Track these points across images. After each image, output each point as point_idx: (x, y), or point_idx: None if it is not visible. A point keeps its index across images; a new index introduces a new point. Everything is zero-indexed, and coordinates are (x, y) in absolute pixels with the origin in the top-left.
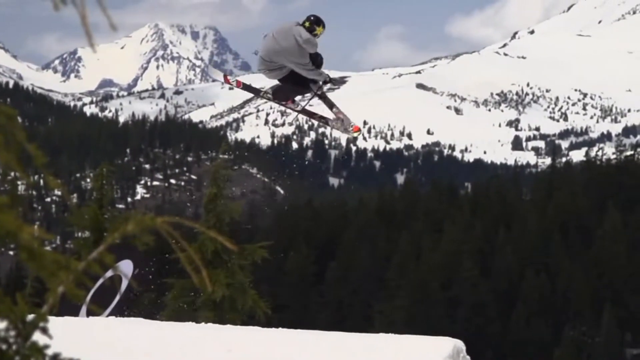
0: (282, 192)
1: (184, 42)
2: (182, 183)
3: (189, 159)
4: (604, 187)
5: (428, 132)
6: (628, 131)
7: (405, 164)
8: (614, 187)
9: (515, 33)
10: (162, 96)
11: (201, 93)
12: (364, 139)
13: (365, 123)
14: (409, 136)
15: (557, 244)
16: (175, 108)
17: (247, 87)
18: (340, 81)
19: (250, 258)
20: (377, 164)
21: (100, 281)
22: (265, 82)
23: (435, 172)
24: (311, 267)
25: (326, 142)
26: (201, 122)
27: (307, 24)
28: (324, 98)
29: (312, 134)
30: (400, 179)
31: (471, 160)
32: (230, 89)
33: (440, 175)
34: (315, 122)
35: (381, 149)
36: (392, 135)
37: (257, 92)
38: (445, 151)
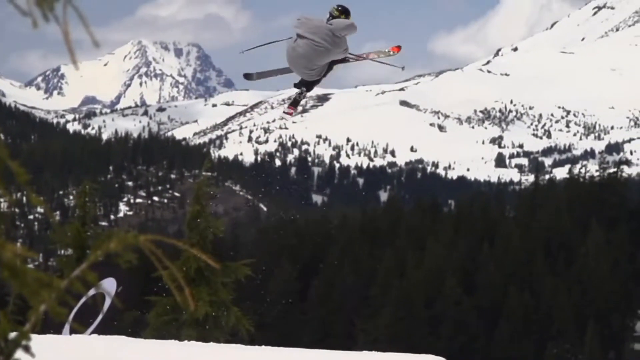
0: (265, 209)
1: (167, 59)
2: (165, 200)
3: (172, 176)
4: (587, 205)
5: (411, 149)
6: (611, 148)
7: (388, 181)
8: (598, 205)
9: (499, 50)
10: (145, 113)
11: (184, 110)
12: (347, 156)
13: (348, 140)
14: (392, 153)
15: (541, 261)
16: (158, 125)
17: (296, 102)
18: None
19: (233, 276)
20: (361, 181)
21: (83, 299)
22: (248, 99)
23: (419, 190)
24: (294, 285)
25: (309, 159)
26: (184, 139)
27: (336, 13)
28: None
29: (296, 151)
30: (383, 196)
31: (454, 177)
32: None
33: (424, 192)
34: (299, 139)
35: (364, 166)
36: (376, 152)
37: (301, 96)
38: (429, 168)
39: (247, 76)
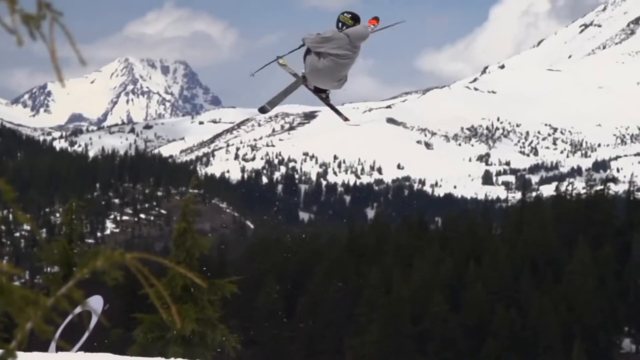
0: (252, 226)
1: (154, 77)
2: (152, 218)
3: (159, 193)
4: (574, 222)
5: (398, 166)
6: (598, 166)
7: (375, 199)
8: (584, 222)
9: (486, 68)
10: (132, 131)
11: (171, 127)
12: (334, 173)
13: (335, 157)
14: (379, 171)
15: (527, 278)
16: (145, 142)
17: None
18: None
19: (220, 293)
20: (348, 198)
21: (70, 317)
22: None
23: (406, 207)
24: (281, 302)
25: (296, 176)
26: (171, 156)
27: (350, 22)
28: None
29: (282, 169)
30: (370, 213)
31: (441, 194)
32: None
33: (411, 209)
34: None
35: (351, 183)
36: (363, 169)
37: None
38: (416, 185)
39: (263, 110)
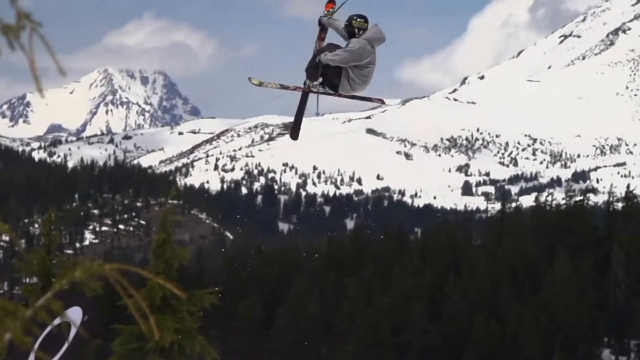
0: (231, 237)
1: (133, 87)
2: (131, 228)
3: (138, 204)
4: (553, 233)
5: (378, 177)
6: (578, 176)
7: (355, 209)
8: (564, 233)
9: (465, 78)
10: (111, 141)
11: (150, 138)
12: (314, 184)
13: (314, 168)
14: (359, 181)
15: (507, 289)
16: (124, 153)
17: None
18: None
19: (199, 304)
20: (327, 209)
21: (49, 328)
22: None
23: (385, 218)
24: (260, 313)
25: (276, 187)
26: (150, 167)
27: (365, 25)
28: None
29: (262, 179)
30: (350, 224)
31: (421, 205)
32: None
33: (390, 220)
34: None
35: (331, 194)
36: (342, 180)
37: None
38: (395, 196)
39: (293, 137)
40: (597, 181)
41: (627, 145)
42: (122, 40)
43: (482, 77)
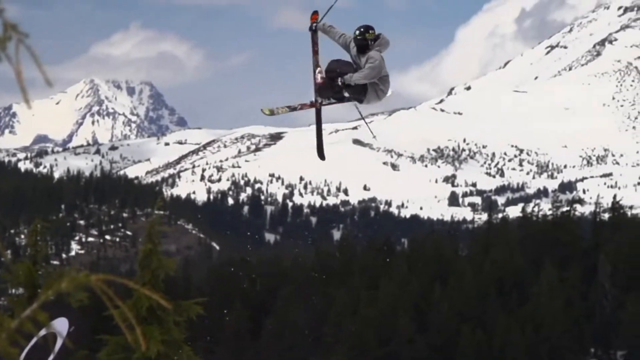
0: (217, 248)
1: (120, 98)
2: (117, 239)
3: (124, 214)
4: (540, 243)
5: (364, 187)
6: (564, 187)
7: (341, 220)
8: (550, 243)
9: (452, 89)
10: (98, 152)
11: (137, 149)
12: (300, 194)
13: (301, 179)
14: (346, 192)
15: (494, 299)
16: (110, 164)
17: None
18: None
19: (185, 314)
20: (314, 219)
21: (35, 339)
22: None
23: (372, 228)
24: (247, 324)
25: (262, 197)
26: (137, 177)
27: (374, 34)
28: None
29: (248, 190)
30: (336, 234)
31: (407, 216)
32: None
33: (377, 231)
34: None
35: (317, 204)
36: (329, 191)
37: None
38: (382, 207)
39: (320, 157)
40: (584, 192)
41: (613, 155)
42: (108, 51)
43: (468, 88)
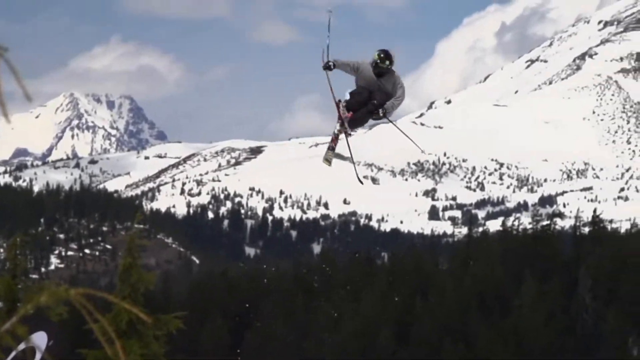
0: (197, 261)
1: (100, 112)
2: (97, 253)
3: (104, 228)
4: (520, 257)
5: (344, 201)
6: (544, 201)
7: (322, 234)
8: (531, 257)
9: (432, 103)
10: (77, 165)
11: (116, 162)
12: (280, 208)
13: (281, 192)
14: (326, 206)
15: (475, 313)
16: (90, 177)
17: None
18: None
19: (165, 328)
20: (294, 233)
21: (14, 353)
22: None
23: (352, 242)
24: (227, 338)
25: (242, 211)
26: (116, 191)
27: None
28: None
29: (228, 204)
30: (317, 248)
31: (388, 229)
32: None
33: (357, 244)
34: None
35: (297, 218)
36: (309, 204)
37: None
38: (362, 220)
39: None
40: (564, 206)
41: (593, 169)
42: (88, 64)
43: (449, 102)
